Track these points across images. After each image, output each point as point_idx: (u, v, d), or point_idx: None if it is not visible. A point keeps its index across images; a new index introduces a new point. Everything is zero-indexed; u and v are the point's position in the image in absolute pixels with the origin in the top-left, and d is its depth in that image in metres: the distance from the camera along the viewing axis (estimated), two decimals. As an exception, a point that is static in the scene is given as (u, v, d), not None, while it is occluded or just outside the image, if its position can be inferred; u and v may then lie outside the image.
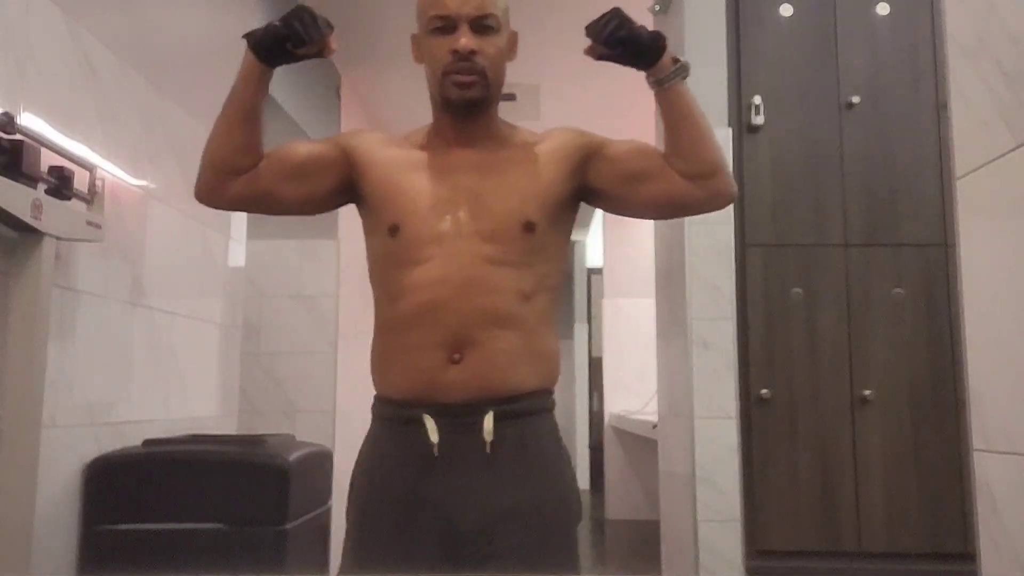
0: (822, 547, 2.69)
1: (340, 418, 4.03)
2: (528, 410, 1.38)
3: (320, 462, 2.33)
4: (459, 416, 1.33)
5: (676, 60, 1.39)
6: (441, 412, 1.33)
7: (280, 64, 1.41)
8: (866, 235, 2.82)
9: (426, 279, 1.35)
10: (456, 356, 1.33)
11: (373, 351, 1.44)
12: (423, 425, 1.33)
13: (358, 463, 1.43)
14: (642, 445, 6.33)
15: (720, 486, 2.68)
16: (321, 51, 1.38)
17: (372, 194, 1.44)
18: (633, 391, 6.48)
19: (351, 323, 4.31)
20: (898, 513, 2.69)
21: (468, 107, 1.42)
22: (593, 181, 1.46)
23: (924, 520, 2.68)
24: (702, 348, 2.74)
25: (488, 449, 1.32)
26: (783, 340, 2.78)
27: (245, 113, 1.44)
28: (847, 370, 2.75)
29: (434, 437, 1.32)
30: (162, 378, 2.41)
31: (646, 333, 6.56)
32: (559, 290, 1.47)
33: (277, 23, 1.35)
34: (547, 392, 1.43)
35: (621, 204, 1.50)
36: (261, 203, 1.50)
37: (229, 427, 2.90)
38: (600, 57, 1.39)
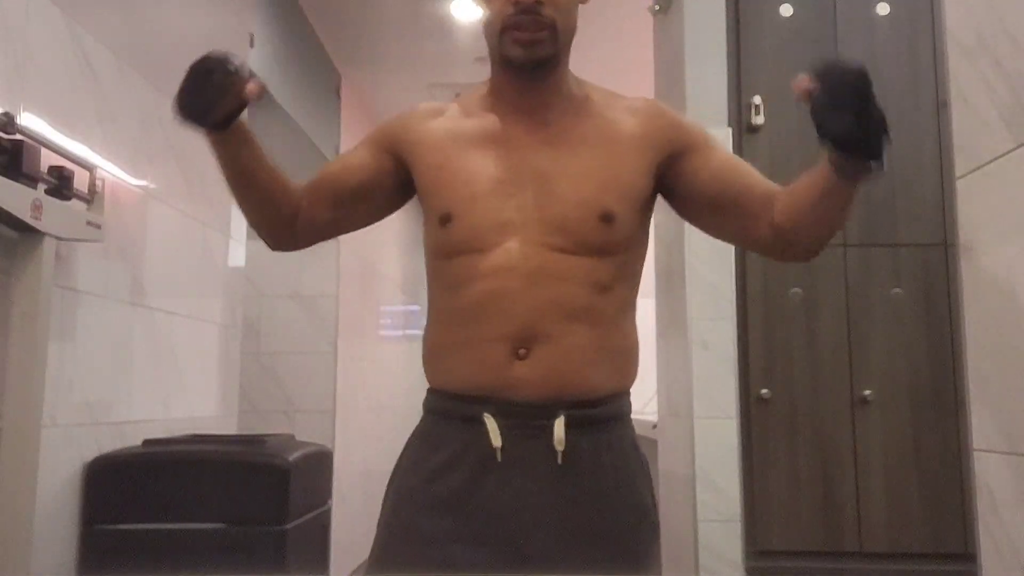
0: (822, 547, 2.69)
1: (340, 418, 4.03)
2: (606, 416, 1.22)
3: (320, 462, 2.33)
4: (526, 418, 1.17)
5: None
6: (504, 412, 1.17)
7: (221, 123, 1.21)
8: (866, 235, 2.82)
9: (488, 268, 1.18)
10: (522, 351, 1.16)
11: (426, 341, 1.28)
12: (483, 425, 1.16)
13: (401, 458, 1.27)
14: (642, 445, 6.32)
15: (720, 486, 2.68)
16: (240, 96, 1.17)
17: (423, 181, 1.27)
18: (633, 391, 6.48)
19: (351, 323, 4.31)
20: (898, 513, 2.69)
21: (535, 68, 1.22)
22: (674, 182, 1.29)
23: (924, 520, 2.68)
24: (702, 348, 2.74)
25: (560, 459, 1.16)
26: (783, 340, 2.78)
27: (242, 184, 1.26)
28: (847, 370, 2.75)
29: (496, 440, 1.16)
30: (162, 378, 2.41)
31: (646, 333, 6.54)
32: (639, 277, 1.30)
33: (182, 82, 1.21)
34: (625, 394, 1.27)
35: (690, 214, 1.34)
36: (333, 231, 1.37)
37: (229, 427, 2.90)
38: (813, 105, 1.18)
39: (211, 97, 1.18)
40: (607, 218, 1.20)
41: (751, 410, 2.75)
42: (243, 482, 2.02)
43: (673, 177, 1.28)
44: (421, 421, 1.29)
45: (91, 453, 2.02)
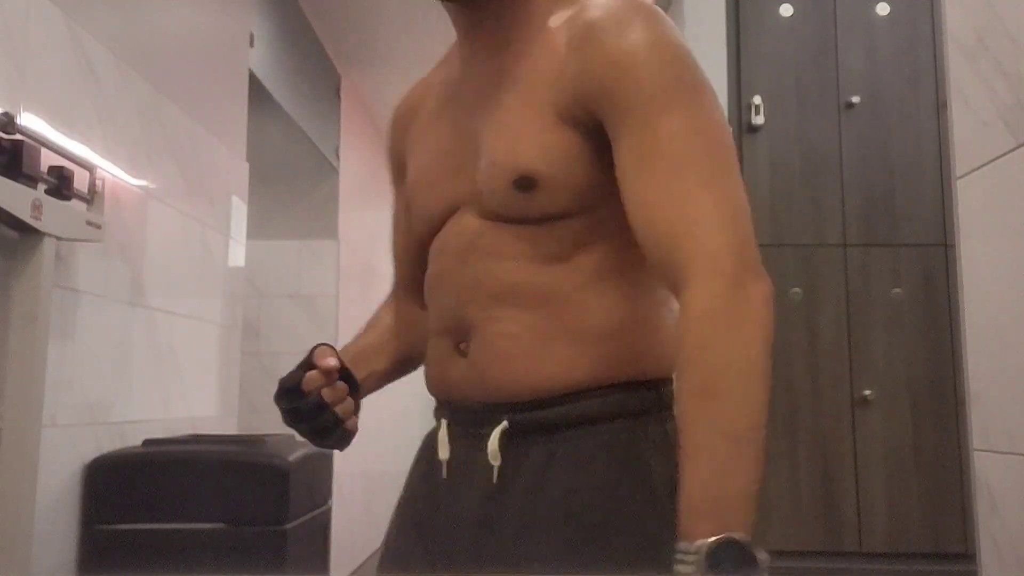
0: (822, 547, 2.69)
1: (340, 418, 4.02)
2: (564, 420, 0.91)
3: (320, 462, 2.33)
4: (470, 425, 0.96)
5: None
6: (455, 418, 0.99)
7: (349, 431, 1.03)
8: (865, 235, 2.82)
9: (435, 249, 1.01)
10: (463, 345, 0.96)
11: None
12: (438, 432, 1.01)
13: None
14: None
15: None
16: (343, 437, 1.01)
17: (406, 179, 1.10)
18: (633, 391, 6.48)
19: (351, 323, 4.31)
20: (898, 513, 2.69)
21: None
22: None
23: (924, 520, 2.68)
24: (702, 348, 2.74)
25: (495, 477, 0.91)
26: (782, 340, 2.78)
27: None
28: (847, 370, 2.75)
29: (443, 452, 0.97)
30: (162, 378, 2.41)
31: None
32: (626, 233, 0.88)
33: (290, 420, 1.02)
34: (603, 390, 0.92)
35: None
36: None
37: (229, 427, 2.90)
38: None
39: (324, 441, 1.01)
40: (524, 184, 0.89)
41: (751, 410, 2.75)
42: (243, 482, 2.02)
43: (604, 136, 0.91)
44: None
45: (91, 453, 2.02)
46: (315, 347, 0.98)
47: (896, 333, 2.76)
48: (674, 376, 0.89)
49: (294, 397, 0.96)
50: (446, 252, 0.98)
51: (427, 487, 1.00)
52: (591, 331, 0.92)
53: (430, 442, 1.02)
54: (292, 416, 0.98)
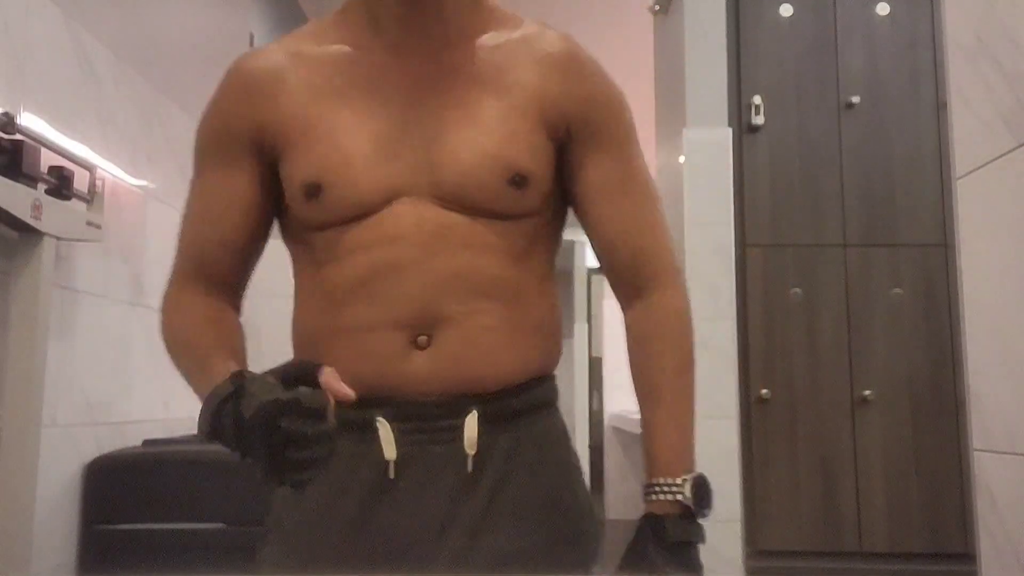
0: (822, 547, 2.69)
1: (340, 418, 4.02)
2: (529, 405, 1.00)
3: (320, 462, 2.33)
4: (428, 420, 0.94)
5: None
6: (402, 415, 0.94)
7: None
8: (865, 235, 2.82)
9: (372, 237, 0.95)
10: (422, 338, 0.94)
11: (295, 332, 1.04)
12: (375, 433, 0.93)
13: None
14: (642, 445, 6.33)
15: (720, 486, 2.67)
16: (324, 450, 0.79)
17: (283, 149, 0.99)
18: (633, 391, 6.49)
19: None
20: (898, 513, 2.69)
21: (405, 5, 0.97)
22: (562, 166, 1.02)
23: (924, 520, 2.68)
24: (702, 348, 2.73)
25: (470, 465, 0.94)
26: (783, 340, 2.78)
27: None
28: (847, 370, 2.75)
29: (389, 452, 0.93)
30: (162, 378, 2.41)
31: (646, 333, 6.58)
32: (560, 239, 1.09)
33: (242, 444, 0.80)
34: (549, 379, 1.05)
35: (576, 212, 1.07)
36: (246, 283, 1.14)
37: (229, 427, 2.90)
38: None
39: (302, 475, 0.79)
40: (519, 181, 0.95)
41: (751, 410, 2.75)
42: (243, 482, 2.02)
43: (563, 158, 1.01)
44: None
45: (91, 453, 2.02)
46: (299, 363, 0.87)
47: (896, 333, 2.76)
48: (647, 358, 1.06)
49: (312, 422, 0.77)
50: (401, 241, 0.94)
51: (357, 493, 0.94)
52: (543, 325, 1.03)
53: (366, 440, 0.94)
54: (297, 444, 0.77)
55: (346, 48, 1.00)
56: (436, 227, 0.95)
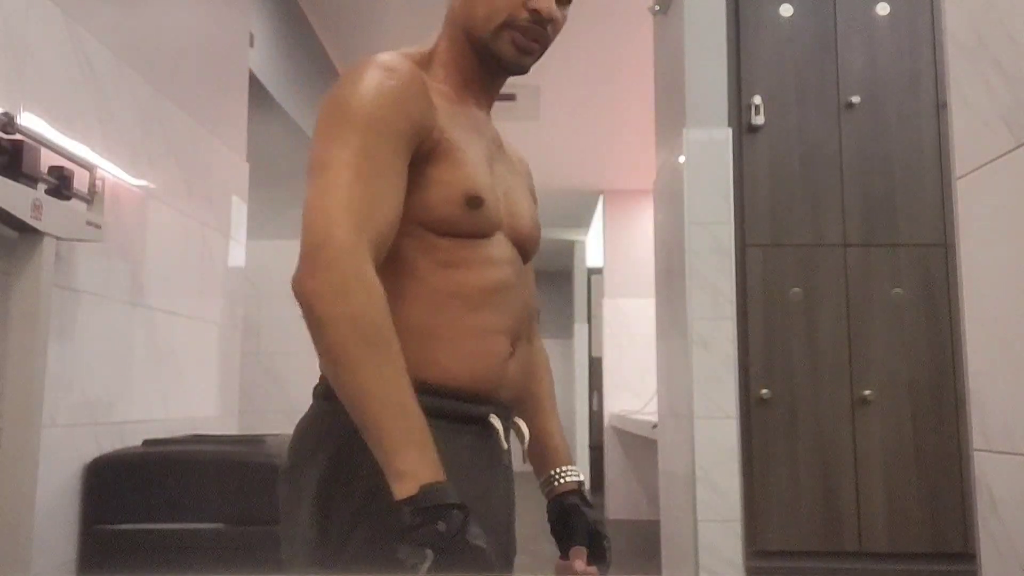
0: (822, 547, 2.69)
1: (340, 418, 4.01)
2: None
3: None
4: (508, 419, 1.16)
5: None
6: (500, 413, 1.12)
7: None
8: (866, 235, 2.82)
9: (497, 256, 1.11)
10: (512, 348, 1.12)
11: (408, 324, 1.02)
12: (491, 427, 1.09)
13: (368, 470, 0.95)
14: (642, 445, 6.33)
15: (720, 486, 2.68)
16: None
17: (447, 156, 1.07)
18: (633, 391, 6.48)
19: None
20: (898, 513, 2.69)
21: (513, 74, 1.18)
22: None
23: (924, 520, 2.68)
24: (702, 348, 2.74)
25: (506, 459, 1.16)
26: (783, 340, 2.78)
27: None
28: (847, 370, 2.75)
29: (504, 443, 1.13)
30: (162, 378, 2.41)
31: (646, 333, 6.58)
32: None
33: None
34: None
35: None
36: None
37: (229, 427, 2.90)
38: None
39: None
40: (537, 243, 1.24)
41: (751, 410, 2.75)
42: (243, 482, 2.02)
43: None
44: None
45: (91, 453, 2.02)
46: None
47: (896, 333, 2.76)
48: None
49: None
50: (508, 264, 1.13)
51: (480, 473, 1.09)
52: None
53: (458, 439, 1.05)
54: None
55: (457, 94, 1.16)
56: (517, 261, 1.16)
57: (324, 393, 1.06)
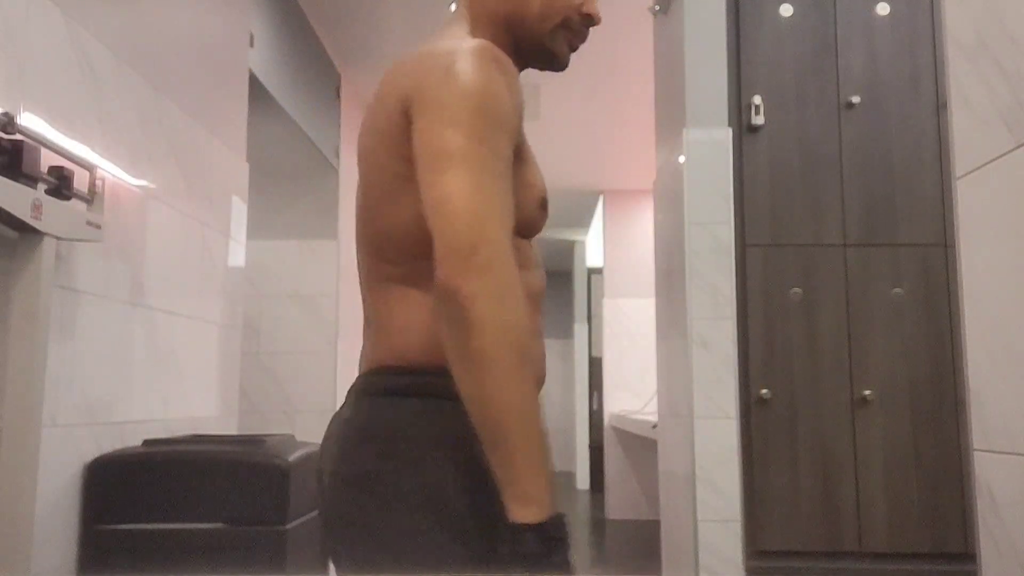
0: (822, 547, 2.69)
1: (340, 418, 4.02)
2: None
3: (320, 462, 2.33)
4: None
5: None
6: None
7: None
8: (865, 235, 2.82)
9: (538, 257, 1.14)
10: None
11: None
12: None
13: (463, 469, 0.97)
14: (642, 445, 6.33)
15: (720, 486, 2.68)
16: None
17: (522, 155, 1.07)
18: (633, 391, 6.48)
19: (351, 323, 4.31)
20: (898, 513, 2.69)
21: (554, 70, 1.19)
22: None
23: (924, 520, 2.68)
24: (702, 348, 2.74)
25: None
26: (783, 340, 2.78)
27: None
28: (847, 370, 2.75)
29: None
30: (162, 378, 2.41)
31: (646, 333, 6.59)
32: None
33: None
34: None
35: None
36: None
37: (229, 427, 2.90)
38: None
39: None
40: None
41: (751, 410, 2.76)
42: (243, 482, 2.02)
43: None
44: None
45: (91, 453, 2.02)
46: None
47: (896, 333, 2.76)
48: None
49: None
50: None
51: None
52: None
53: None
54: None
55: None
56: None
57: (409, 390, 1.00)
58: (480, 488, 0.94)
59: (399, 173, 1.01)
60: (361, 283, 1.12)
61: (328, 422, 1.15)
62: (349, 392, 1.10)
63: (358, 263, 1.13)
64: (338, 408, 1.13)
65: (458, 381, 0.90)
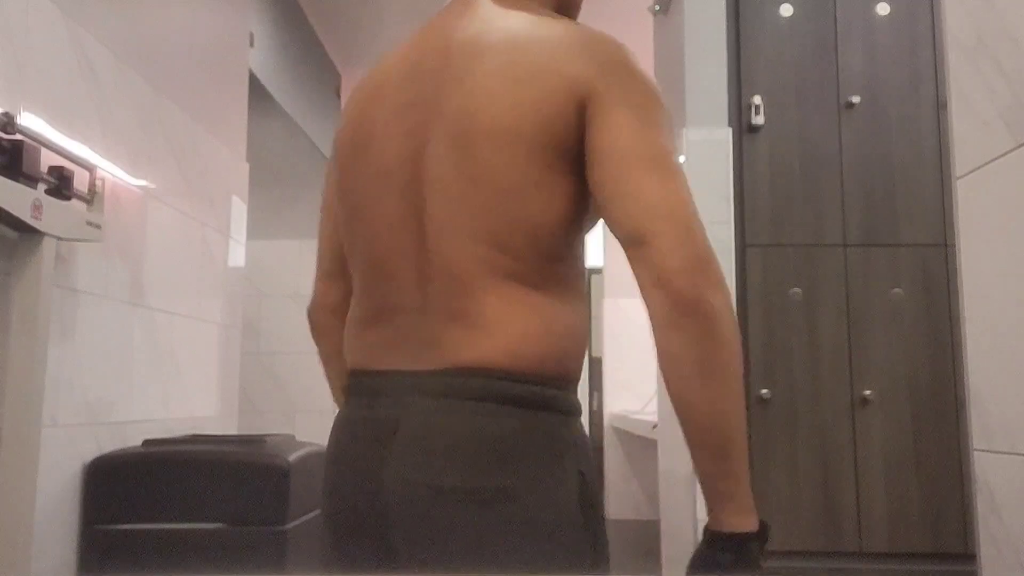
0: (822, 547, 2.69)
1: (340, 418, 4.02)
2: None
3: (320, 462, 2.33)
4: None
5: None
6: None
7: None
8: (865, 235, 2.82)
9: None
10: None
11: (578, 332, 1.01)
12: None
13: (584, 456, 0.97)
14: (642, 445, 6.33)
15: (720, 486, 2.68)
16: None
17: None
18: (633, 391, 6.48)
19: (351, 323, 4.30)
20: (898, 513, 2.69)
21: None
22: None
23: (924, 520, 2.68)
24: (702, 348, 2.74)
25: None
26: (783, 340, 2.78)
27: None
28: (847, 370, 2.75)
29: None
30: (162, 378, 2.41)
31: (646, 333, 6.57)
32: None
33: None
34: None
35: None
36: None
37: (229, 427, 2.90)
38: None
39: None
40: None
41: (751, 410, 2.75)
42: (243, 482, 2.02)
43: None
44: (575, 421, 0.98)
45: (91, 453, 2.02)
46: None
47: (896, 333, 2.76)
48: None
49: None
50: None
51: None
52: None
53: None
54: None
55: None
56: None
57: (528, 401, 0.94)
58: (598, 508, 0.97)
59: (551, 165, 0.94)
60: (434, 268, 0.97)
61: (327, 422, 1.11)
62: (410, 389, 0.96)
63: (433, 242, 0.97)
64: (334, 410, 1.10)
65: (688, 392, 0.88)
